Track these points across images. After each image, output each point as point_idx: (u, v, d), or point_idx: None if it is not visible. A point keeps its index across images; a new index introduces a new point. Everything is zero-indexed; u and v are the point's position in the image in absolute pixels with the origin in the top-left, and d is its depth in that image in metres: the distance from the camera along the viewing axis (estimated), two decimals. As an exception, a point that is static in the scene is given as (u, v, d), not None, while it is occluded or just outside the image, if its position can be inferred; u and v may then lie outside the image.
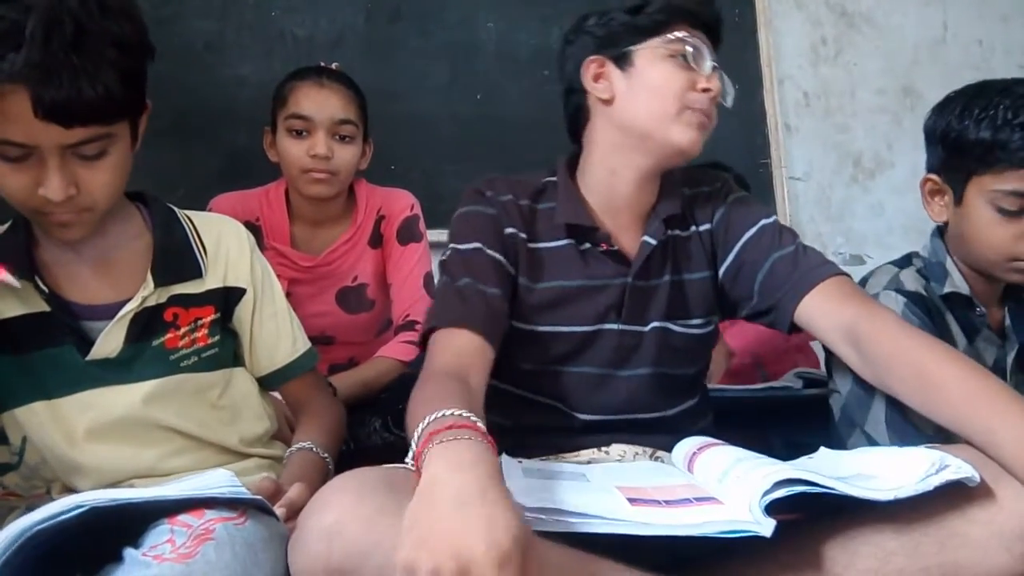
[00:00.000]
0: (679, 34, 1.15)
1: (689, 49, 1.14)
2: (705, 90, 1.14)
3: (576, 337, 1.18)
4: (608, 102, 1.18)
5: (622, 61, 1.18)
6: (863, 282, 1.30)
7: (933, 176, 1.30)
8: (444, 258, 1.19)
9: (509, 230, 1.19)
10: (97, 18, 0.89)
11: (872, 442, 1.12)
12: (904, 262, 1.33)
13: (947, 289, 1.28)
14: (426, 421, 0.82)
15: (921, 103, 2.80)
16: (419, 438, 0.81)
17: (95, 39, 0.89)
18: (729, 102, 1.21)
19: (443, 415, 0.82)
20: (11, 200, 0.94)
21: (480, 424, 0.82)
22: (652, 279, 1.20)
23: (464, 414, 0.83)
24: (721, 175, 1.30)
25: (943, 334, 1.22)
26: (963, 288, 1.28)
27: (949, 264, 1.29)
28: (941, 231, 1.34)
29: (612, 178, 1.20)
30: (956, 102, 1.25)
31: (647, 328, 1.19)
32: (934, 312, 1.24)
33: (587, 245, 1.19)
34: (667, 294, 1.20)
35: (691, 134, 1.14)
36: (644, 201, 1.22)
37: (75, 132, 0.90)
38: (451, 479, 0.71)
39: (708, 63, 1.15)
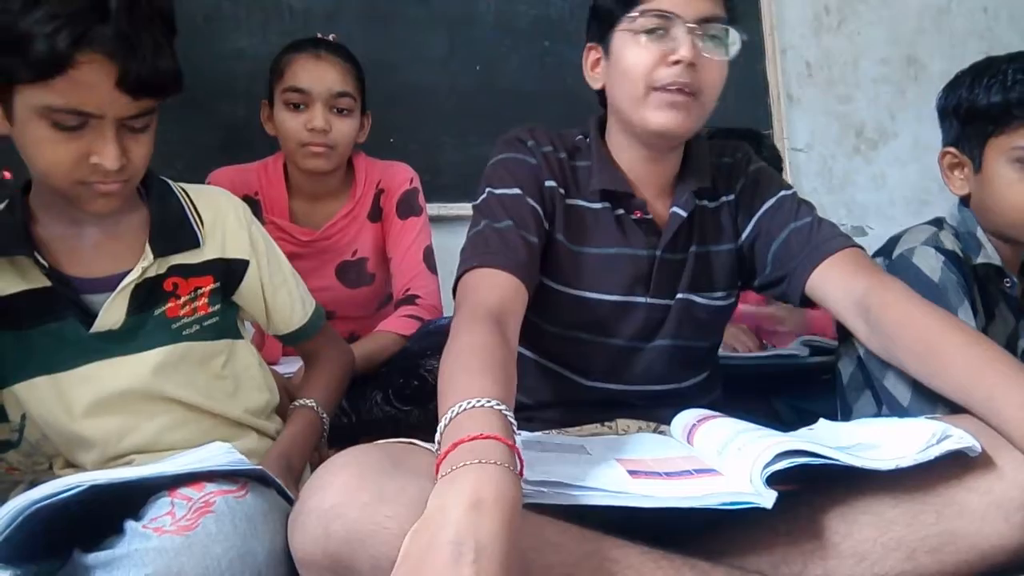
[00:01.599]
0: (643, 6, 1.08)
1: (653, 22, 1.07)
2: (675, 63, 1.06)
3: (606, 306, 1.17)
4: (604, 90, 1.17)
5: (606, 47, 1.15)
6: (896, 239, 1.28)
7: (951, 149, 1.32)
8: (477, 203, 1.15)
9: (549, 183, 1.16)
10: None
11: (888, 398, 1.12)
12: (938, 224, 1.32)
13: (980, 260, 1.27)
14: (456, 410, 0.79)
15: (925, 73, 2.78)
16: (447, 426, 0.78)
17: (156, 15, 0.94)
18: (730, 53, 1.11)
19: (475, 406, 0.79)
20: (51, 169, 0.94)
21: (512, 424, 0.79)
22: (679, 251, 1.18)
23: (497, 406, 0.79)
24: (742, 145, 1.27)
25: (973, 300, 1.22)
26: (996, 259, 1.28)
27: (981, 234, 1.29)
28: (965, 202, 1.33)
29: (625, 153, 1.18)
30: (965, 76, 1.28)
31: (673, 301, 1.19)
32: (969, 277, 1.23)
33: (621, 211, 1.17)
34: (693, 266, 1.19)
35: (663, 115, 1.08)
36: (665, 173, 1.19)
37: (139, 104, 0.94)
38: (459, 520, 0.66)
39: (680, 29, 1.06)
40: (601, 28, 1.15)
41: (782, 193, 1.20)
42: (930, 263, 1.19)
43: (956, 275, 1.19)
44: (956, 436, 0.83)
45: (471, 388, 0.82)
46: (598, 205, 1.18)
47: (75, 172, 0.94)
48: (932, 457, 0.82)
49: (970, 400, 0.91)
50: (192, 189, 1.14)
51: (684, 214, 1.16)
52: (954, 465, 0.83)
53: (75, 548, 0.79)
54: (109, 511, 0.79)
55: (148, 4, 0.93)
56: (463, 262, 1.08)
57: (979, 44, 2.79)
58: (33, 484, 0.96)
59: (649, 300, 1.18)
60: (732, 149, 1.25)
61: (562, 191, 1.17)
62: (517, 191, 1.13)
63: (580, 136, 1.23)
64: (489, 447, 0.73)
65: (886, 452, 0.84)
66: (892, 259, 1.24)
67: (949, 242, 1.24)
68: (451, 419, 0.79)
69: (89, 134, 0.93)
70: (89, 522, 0.79)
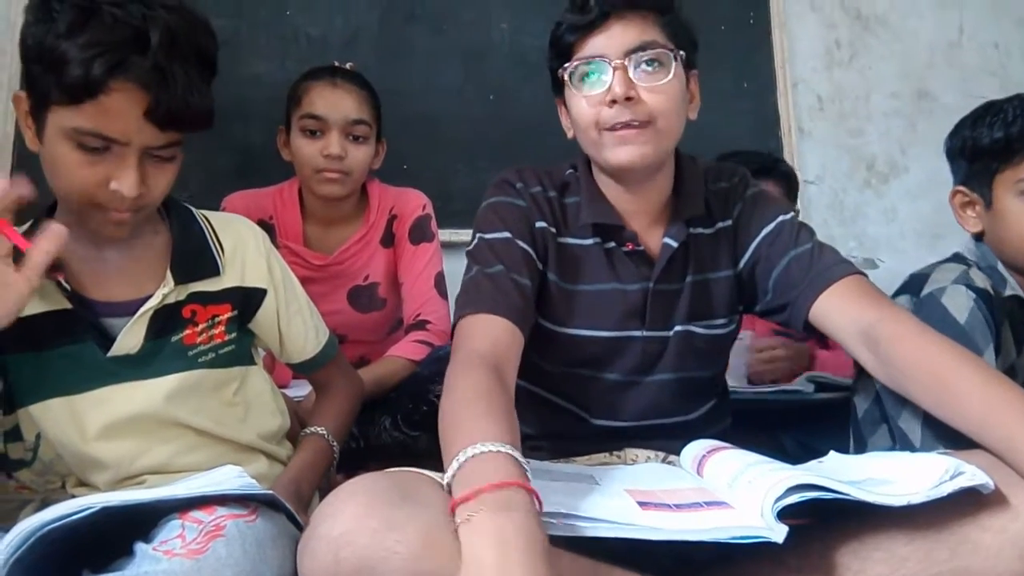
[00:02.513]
0: (574, 56, 1.11)
1: (583, 69, 1.11)
2: (612, 102, 1.07)
3: (600, 343, 1.17)
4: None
5: (564, 99, 1.18)
6: (924, 277, 1.27)
7: (961, 188, 1.35)
8: (470, 248, 1.16)
9: (539, 224, 1.17)
10: (195, 35, 0.97)
11: (902, 437, 1.11)
12: (962, 260, 1.31)
13: (1008, 292, 1.27)
14: (468, 453, 0.78)
15: (936, 107, 2.78)
16: (459, 471, 0.78)
17: (194, 52, 0.96)
18: (671, 75, 1.09)
19: (488, 451, 0.78)
20: (70, 189, 0.96)
21: (524, 467, 0.79)
22: (674, 282, 1.17)
23: (511, 451, 0.79)
24: (739, 168, 1.26)
25: (1001, 338, 1.21)
26: (1020, 291, 1.28)
27: (1002, 267, 1.30)
28: (978, 239, 1.34)
29: (609, 187, 1.19)
30: (968, 119, 1.34)
31: (671, 332, 1.18)
32: (999, 313, 1.22)
33: (612, 244, 1.17)
34: (690, 296, 1.18)
35: (621, 152, 1.10)
36: (653, 202, 1.19)
37: (165, 136, 0.96)
38: (497, 567, 0.67)
39: (607, 71, 1.08)
40: (554, 84, 1.18)
41: (781, 218, 1.19)
42: (960, 302, 1.18)
43: (986, 314, 1.17)
44: (969, 473, 0.82)
45: (476, 432, 0.82)
46: (589, 241, 1.18)
47: (95, 195, 0.96)
48: (945, 493, 0.81)
49: (987, 438, 0.89)
50: (214, 217, 1.15)
51: (675, 244, 1.15)
52: (968, 502, 0.83)
53: (85, 569, 0.79)
54: (119, 533, 0.79)
55: (187, 41, 0.95)
56: (457, 309, 1.09)
57: (990, 79, 2.79)
58: (45, 503, 0.97)
59: (645, 333, 1.17)
60: (729, 173, 1.24)
61: (553, 230, 1.17)
62: (507, 235, 1.14)
63: (570, 170, 1.23)
64: (512, 495, 0.74)
65: (898, 488, 0.83)
66: (920, 298, 1.22)
67: (980, 280, 1.22)
68: (462, 464, 0.78)
69: (112, 159, 0.94)
70: (99, 543, 0.79)
